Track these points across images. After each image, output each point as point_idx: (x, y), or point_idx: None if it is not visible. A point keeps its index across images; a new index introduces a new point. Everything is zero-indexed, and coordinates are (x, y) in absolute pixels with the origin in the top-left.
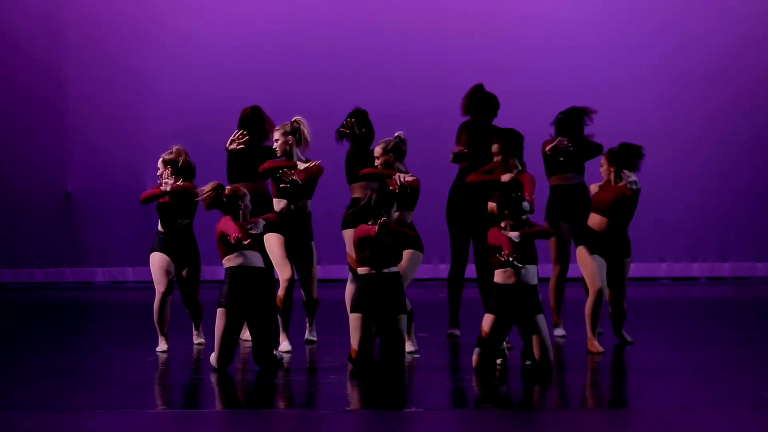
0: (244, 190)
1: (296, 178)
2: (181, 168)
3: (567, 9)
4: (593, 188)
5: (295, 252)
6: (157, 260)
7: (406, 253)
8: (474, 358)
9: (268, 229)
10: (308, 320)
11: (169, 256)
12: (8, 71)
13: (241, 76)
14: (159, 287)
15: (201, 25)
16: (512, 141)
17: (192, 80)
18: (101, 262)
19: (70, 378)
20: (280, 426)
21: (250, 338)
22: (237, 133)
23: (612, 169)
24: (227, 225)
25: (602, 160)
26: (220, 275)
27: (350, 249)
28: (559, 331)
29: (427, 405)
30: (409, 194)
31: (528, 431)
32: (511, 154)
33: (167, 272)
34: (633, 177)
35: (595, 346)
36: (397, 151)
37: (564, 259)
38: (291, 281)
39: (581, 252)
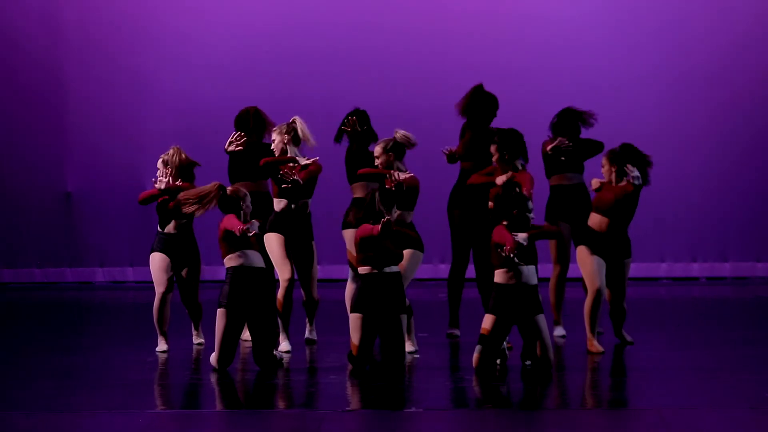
0: (245, 191)
1: (297, 178)
2: (179, 168)
3: (567, 9)
4: (594, 183)
5: (296, 252)
6: (157, 260)
7: (407, 253)
8: (475, 356)
9: (268, 229)
10: (308, 320)
11: (168, 257)
12: (8, 71)
13: (241, 76)
14: (159, 287)
15: (201, 25)
16: (511, 141)
17: (192, 80)
18: (101, 262)
19: (70, 378)
20: (280, 426)
21: (250, 338)
22: (235, 134)
23: (613, 170)
24: (231, 221)
25: (603, 160)
26: (220, 275)
27: (351, 247)
28: (559, 331)
29: (427, 405)
30: (409, 194)
31: (528, 431)
32: (511, 154)
33: (167, 272)
34: (636, 172)
35: (595, 346)
36: (396, 150)
37: (564, 259)
38: (291, 281)
39: (581, 252)
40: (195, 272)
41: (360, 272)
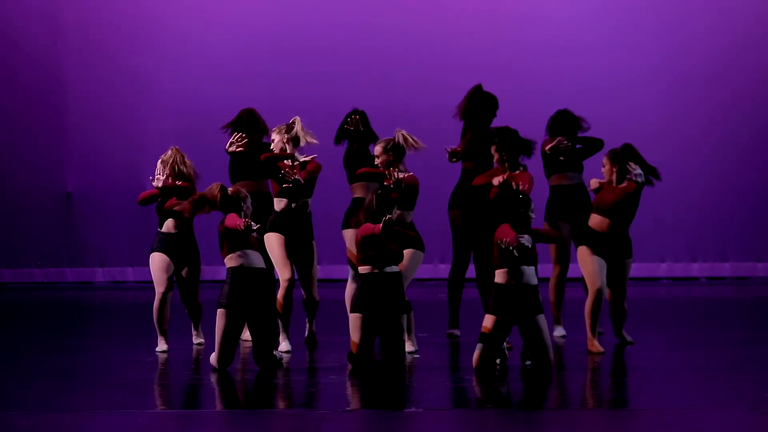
0: (246, 192)
1: (299, 177)
2: (177, 168)
3: (567, 9)
4: (593, 183)
5: (296, 251)
6: (157, 260)
7: (407, 253)
8: (476, 354)
9: (269, 229)
10: (308, 320)
11: (169, 256)
12: (8, 71)
13: (241, 76)
14: (159, 287)
15: (201, 25)
16: (511, 141)
17: (192, 80)
18: (101, 262)
19: (70, 378)
20: (280, 426)
21: (250, 338)
22: (236, 135)
23: (614, 170)
24: (233, 219)
25: (604, 159)
26: (220, 275)
27: (351, 246)
28: (559, 331)
29: (427, 405)
30: (409, 194)
31: (528, 431)
32: (510, 155)
33: (167, 272)
34: (638, 170)
35: (595, 346)
36: (396, 150)
37: (564, 259)
38: (291, 281)
39: (582, 252)
40: (195, 272)
41: (360, 272)
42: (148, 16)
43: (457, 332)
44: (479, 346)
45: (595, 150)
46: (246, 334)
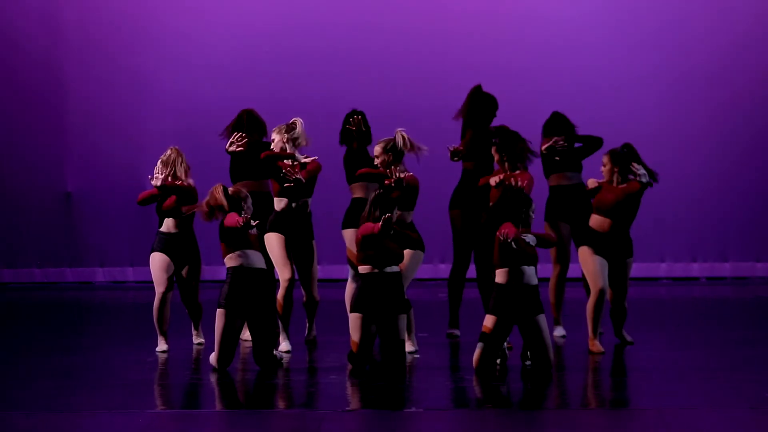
0: (246, 192)
1: (300, 177)
2: (175, 168)
3: (567, 9)
4: (591, 183)
5: (296, 251)
6: (157, 260)
7: (407, 253)
8: (476, 353)
9: (269, 228)
10: (308, 320)
11: (169, 256)
12: (8, 71)
13: (241, 76)
14: (159, 287)
15: (201, 25)
16: (510, 142)
17: (192, 80)
18: (101, 262)
19: (70, 378)
20: (280, 426)
21: (250, 338)
22: (236, 135)
23: (615, 170)
24: (232, 217)
25: (605, 159)
26: (220, 275)
27: (351, 246)
28: (559, 331)
29: (427, 405)
30: (409, 194)
31: (528, 431)
32: (509, 155)
33: (167, 272)
34: (642, 170)
35: (596, 346)
36: (396, 150)
37: (564, 259)
38: (291, 281)
39: (583, 252)
40: (195, 272)
41: (360, 271)
42: (148, 16)
43: (457, 332)
44: (479, 346)
45: (594, 148)
46: (246, 334)
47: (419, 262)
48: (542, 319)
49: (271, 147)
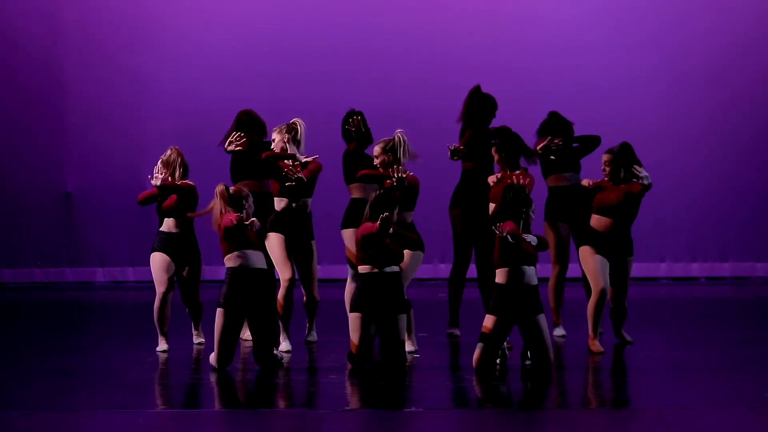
0: (247, 191)
1: (301, 176)
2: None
3: (567, 9)
4: (585, 183)
5: (296, 251)
6: (158, 260)
7: (407, 253)
8: (476, 353)
9: (269, 228)
10: (308, 320)
11: (169, 256)
12: (8, 71)
13: (241, 76)
14: (159, 287)
15: (201, 25)
16: (509, 143)
17: (192, 80)
18: (101, 262)
19: (70, 378)
20: (280, 426)
21: (250, 338)
22: (235, 134)
23: (621, 171)
24: (228, 216)
25: (605, 157)
26: (220, 275)
27: (350, 246)
28: (559, 331)
29: (427, 405)
30: (409, 194)
31: (528, 431)
32: (509, 156)
33: (167, 272)
34: (644, 172)
35: (596, 345)
36: (395, 151)
37: (563, 259)
38: (291, 281)
39: (584, 252)
40: (196, 272)
41: (360, 271)
42: (148, 16)
43: (457, 332)
44: (479, 345)
45: (592, 147)
46: (246, 334)
47: (419, 262)
48: (542, 319)
49: (272, 147)
